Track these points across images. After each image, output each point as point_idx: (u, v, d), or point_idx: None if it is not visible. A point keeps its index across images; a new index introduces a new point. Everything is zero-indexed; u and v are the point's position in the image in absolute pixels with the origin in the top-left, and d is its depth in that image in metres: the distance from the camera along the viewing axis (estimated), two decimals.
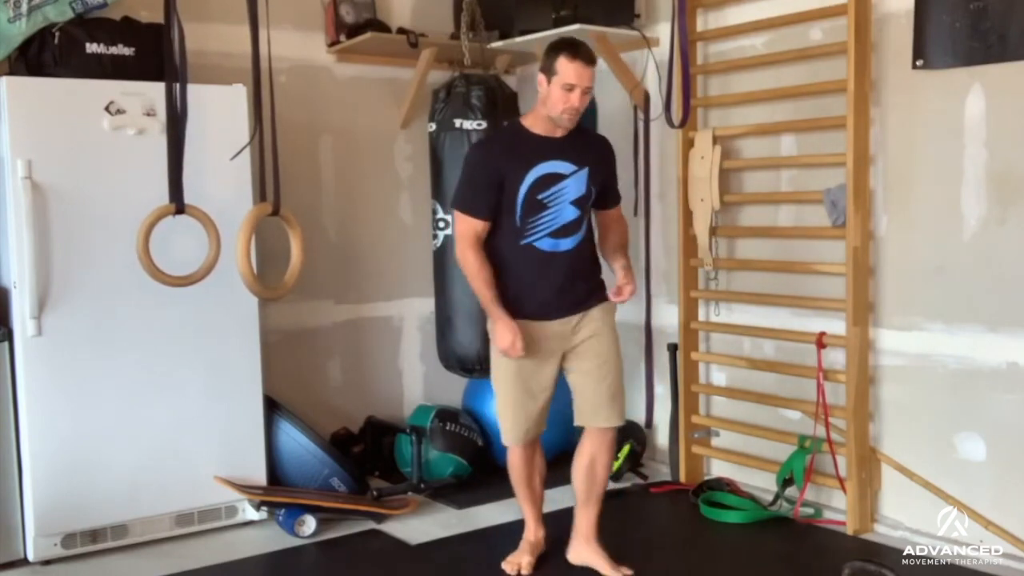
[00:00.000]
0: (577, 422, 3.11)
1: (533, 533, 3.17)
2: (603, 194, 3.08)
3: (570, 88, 2.85)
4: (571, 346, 3.04)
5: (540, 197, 2.93)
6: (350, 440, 4.26)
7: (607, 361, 3.05)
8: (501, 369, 3.05)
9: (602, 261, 3.15)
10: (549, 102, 2.90)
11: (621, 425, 3.11)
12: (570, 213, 2.97)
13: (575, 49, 2.86)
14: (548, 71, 2.89)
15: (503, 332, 2.93)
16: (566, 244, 2.99)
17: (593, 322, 3.04)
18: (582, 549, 3.11)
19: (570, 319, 3.02)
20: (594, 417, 3.06)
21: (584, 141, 3.03)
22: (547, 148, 2.95)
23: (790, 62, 3.60)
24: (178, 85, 3.17)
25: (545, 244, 2.96)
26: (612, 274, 3.10)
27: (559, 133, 2.95)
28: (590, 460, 3.08)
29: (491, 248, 3.00)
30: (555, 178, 2.94)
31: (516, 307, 2.97)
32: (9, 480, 3.24)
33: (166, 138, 3.21)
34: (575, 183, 2.97)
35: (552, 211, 2.95)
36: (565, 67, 2.84)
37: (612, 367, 3.06)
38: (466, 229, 2.95)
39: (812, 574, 3.13)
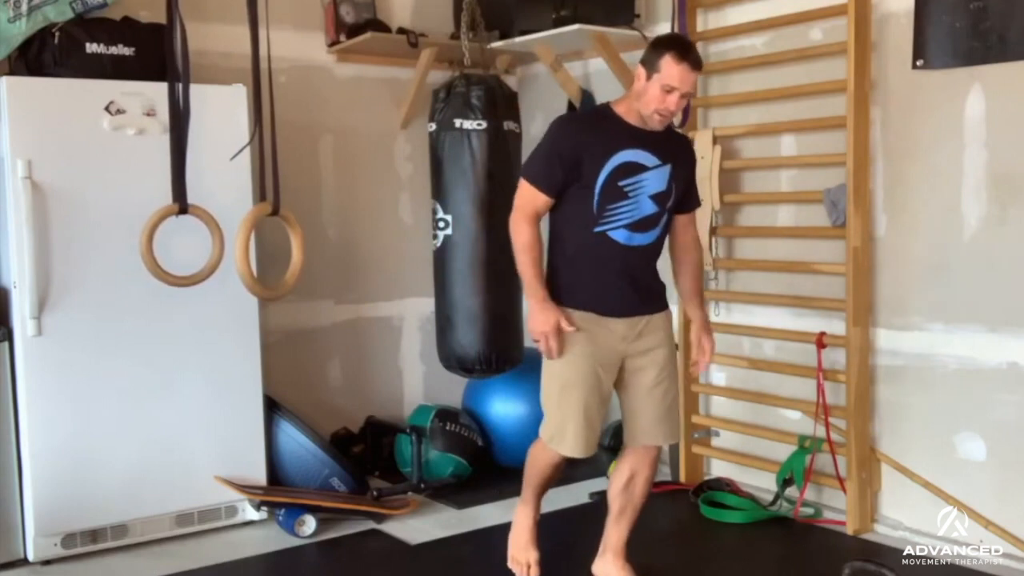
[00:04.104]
0: (629, 440, 2.92)
1: (533, 514, 3.05)
2: (682, 197, 2.91)
3: (670, 90, 2.67)
4: (632, 352, 2.84)
5: (621, 184, 2.74)
6: (350, 440, 4.26)
7: (670, 375, 2.88)
8: (571, 370, 2.80)
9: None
10: (644, 98, 2.72)
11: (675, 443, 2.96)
12: (648, 207, 2.78)
13: (684, 51, 2.68)
14: (650, 67, 2.69)
15: (544, 314, 2.72)
16: (640, 239, 2.80)
17: (657, 331, 2.87)
18: (609, 565, 2.96)
19: (636, 321, 2.82)
20: (651, 435, 2.87)
21: (669, 137, 2.87)
22: (632, 136, 2.77)
23: (790, 62, 3.59)
24: (180, 85, 3.17)
25: (620, 235, 2.77)
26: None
27: (647, 126, 2.79)
28: (631, 476, 2.91)
29: (561, 238, 2.85)
30: (637, 168, 2.75)
31: (582, 298, 2.79)
32: (9, 480, 3.24)
33: (169, 138, 3.21)
34: (656, 177, 2.78)
35: (632, 202, 2.76)
36: (670, 68, 2.65)
37: (673, 381, 2.91)
38: (528, 200, 2.78)
39: (812, 574, 3.13)
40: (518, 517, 3.09)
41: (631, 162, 2.75)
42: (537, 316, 2.75)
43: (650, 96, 2.71)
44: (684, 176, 2.90)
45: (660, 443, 2.90)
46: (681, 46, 2.70)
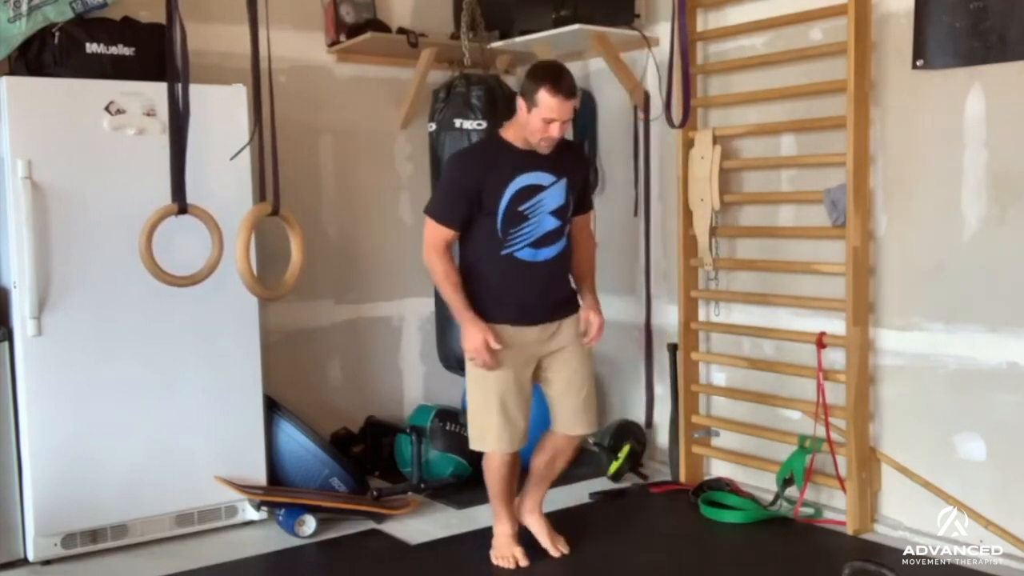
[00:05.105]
0: (554, 426, 3.19)
1: (511, 527, 3.23)
2: (578, 202, 3.13)
3: (550, 120, 2.86)
4: (547, 352, 3.09)
5: (521, 209, 2.96)
6: (350, 440, 4.26)
7: (583, 371, 3.14)
8: (482, 376, 3.04)
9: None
10: (528, 128, 2.92)
11: (593, 432, 3.25)
12: (550, 223, 3.00)
13: (557, 82, 2.85)
14: (529, 99, 2.88)
15: (473, 334, 2.94)
16: (546, 253, 3.02)
17: (569, 330, 3.10)
18: (528, 517, 3.27)
19: (548, 326, 3.07)
20: (572, 425, 3.15)
21: (561, 151, 3.03)
22: (527, 160, 2.97)
23: (790, 62, 3.60)
24: (180, 85, 3.17)
25: (525, 254, 2.99)
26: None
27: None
28: (552, 456, 3.21)
29: (469, 255, 3.03)
30: (535, 189, 2.97)
31: (494, 312, 2.99)
32: (9, 480, 3.24)
33: (168, 138, 3.21)
34: (554, 194, 3.00)
35: (532, 222, 2.98)
36: (546, 101, 2.84)
37: (588, 376, 3.16)
38: (436, 236, 2.99)
39: (812, 574, 3.13)
40: (496, 531, 3.25)
41: (529, 185, 2.96)
42: (468, 335, 2.96)
43: (533, 127, 2.91)
44: (578, 185, 3.11)
45: (579, 433, 3.18)
46: (554, 79, 2.86)
